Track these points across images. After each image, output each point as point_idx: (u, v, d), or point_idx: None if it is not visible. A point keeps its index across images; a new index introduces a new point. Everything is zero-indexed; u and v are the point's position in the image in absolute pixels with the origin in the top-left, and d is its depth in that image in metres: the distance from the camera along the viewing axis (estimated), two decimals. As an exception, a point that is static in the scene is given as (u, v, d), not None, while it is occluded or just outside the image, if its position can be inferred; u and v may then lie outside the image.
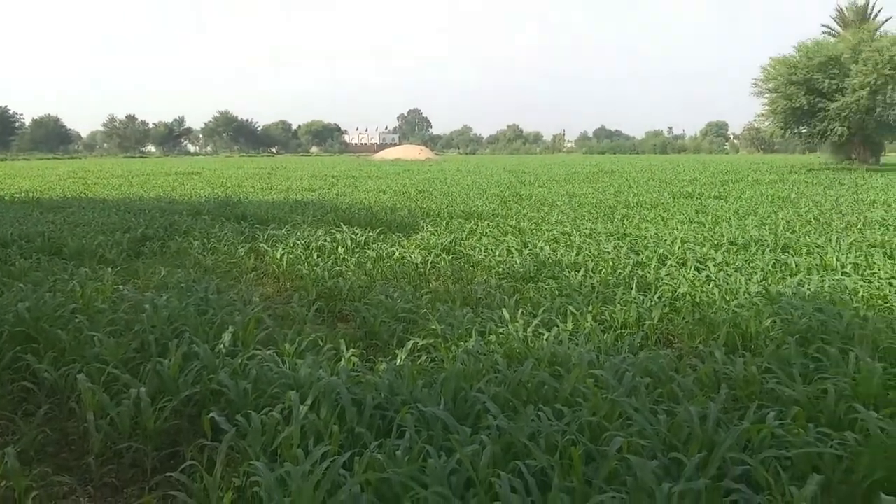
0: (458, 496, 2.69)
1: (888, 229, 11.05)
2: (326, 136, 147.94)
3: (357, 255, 9.00)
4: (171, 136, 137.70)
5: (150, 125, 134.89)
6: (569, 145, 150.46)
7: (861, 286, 6.73)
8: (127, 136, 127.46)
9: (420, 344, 4.89)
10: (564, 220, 12.93)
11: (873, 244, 9.52)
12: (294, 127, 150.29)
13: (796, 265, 7.97)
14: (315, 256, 8.83)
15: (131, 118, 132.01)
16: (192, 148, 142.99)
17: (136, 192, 21.30)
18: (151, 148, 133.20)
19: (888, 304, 6.06)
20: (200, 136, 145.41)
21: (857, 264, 8.01)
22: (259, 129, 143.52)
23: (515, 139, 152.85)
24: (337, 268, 8.15)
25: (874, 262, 8.13)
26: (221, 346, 4.55)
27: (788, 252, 9.09)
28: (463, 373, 4.12)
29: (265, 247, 9.60)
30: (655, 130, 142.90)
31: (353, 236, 10.42)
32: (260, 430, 3.27)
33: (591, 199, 17.73)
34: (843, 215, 13.20)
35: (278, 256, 8.67)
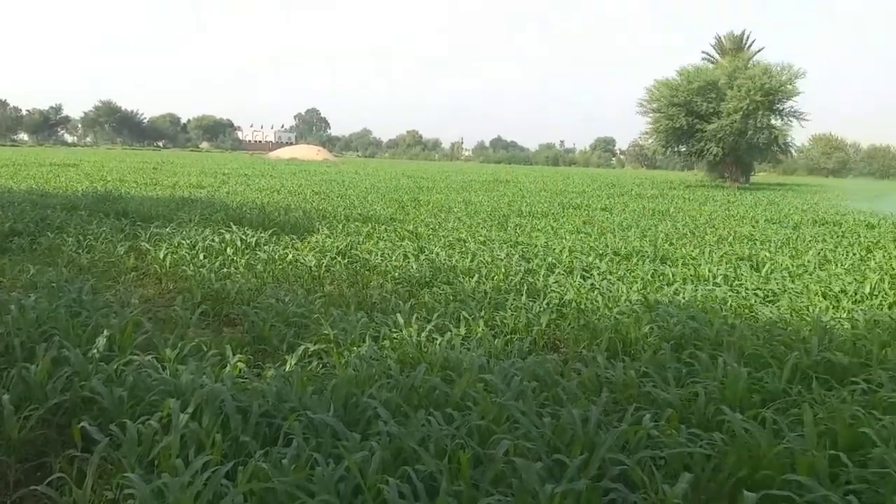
0: (346, 503, 2.65)
1: (755, 244, 11.98)
2: (218, 131, 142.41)
3: (247, 257, 8.71)
4: (47, 125, 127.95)
5: (24, 111, 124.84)
6: (466, 153, 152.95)
7: (730, 296, 7.26)
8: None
9: (311, 349, 4.79)
10: (460, 227, 13.11)
11: (741, 257, 10.30)
12: (183, 121, 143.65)
13: (673, 275, 8.48)
14: (202, 257, 8.47)
15: (2, 103, 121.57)
16: (69, 138, 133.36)
17: (5, 184, 19.62)
18: (24, 136, 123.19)
19: (753, 314, 6.56)
20: (80, 126, 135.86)
21: (727, 276, 8.63)
22: (145, 121, 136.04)
23: (415, 145, 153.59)
24: (225, 269, 7.85)
25: (742, 274, 8.80)
26: (95, 350, 4.26)
27: (666, 263, 9.66)
28: (355, 378, 4.09)
29: (147, 246, 9.10)
30: (548, 143, 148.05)
31: (244, 237, 10.08)
32: (136, 440, 3.09)
33: (486, 208, 18.09)
34: (716, 230, 14.19)
35: (161, 256, 8.25)
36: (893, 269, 9.44)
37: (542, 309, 6.34)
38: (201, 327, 5.72)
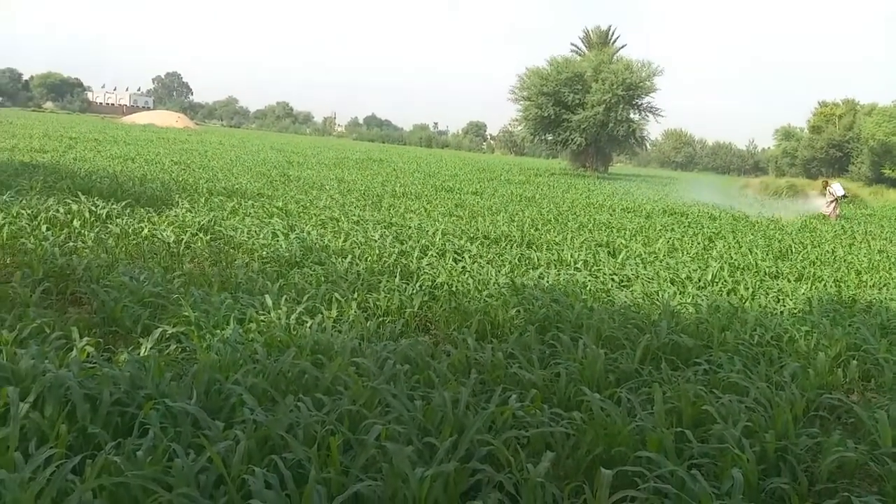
0: (207, 496, 2.52)
1: (612, 231, 12.73)
2: (65, 91, 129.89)
3: (97, 230, 8.04)
4: None
5: None
6: (339, 129, 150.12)
7: (589, 280, 7.66)
8: None
9: (169, 332, 4.51)
10: (333, 206, 12.87)
11: (600, 243, 10.90)
12: (25, 77, 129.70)
13: (538, 260, 8.83)
14: (44, 229, 7.71)
15: None
16: None
17: None
18: None
19: (610, 298, 6.97)
20: None
21: (587, 261, 9.10)
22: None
23: (285, 117, 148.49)
24: (71, 243, 7.19)
25: (600, 260, 9.32)
26: (-88, 333, 3.77)
27: (532, 247, 10.04)
28: (218, 363, 3.90)
29: (-21, 215, 8.14)
30: (422, 124, 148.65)
31: (93, 208, 9.29)
32: (-37, 435, 2.76)
33: (359, 186, 17.88)
34: (577, 217, 14.92)
35: (-4, 227, 7.42)
36: (732, 258, 10.38)
37: (414, 291, 6.36)
38: (43, 307, 5.20)
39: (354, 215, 11.66)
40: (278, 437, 2.96)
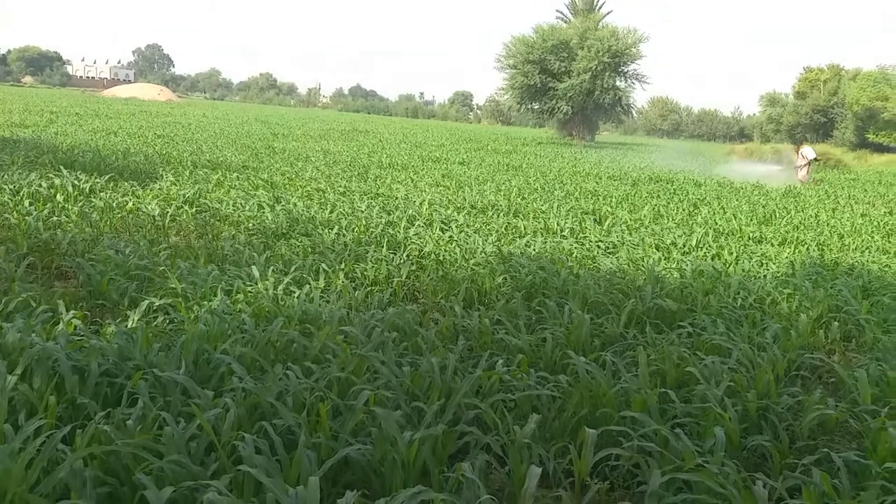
0: (198, 462, 2.55)
1: (598, 199, 12.76)
2: (44, 65, 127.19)
3: (81, 204, 7.96)
4: None
5: None
6: (324, 100, 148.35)
7: (575, 248, 7.71)
8: None
9: (157, 304, 4.50)
10: (319, 177, 12.80)
11: (586, 211, 10.94)
12: (2, 52, 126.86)
13: (524, 228, 8.86)
14: (27, 204, 7.62)
15: None
16: None
17: None
18: None
19: (596, 264, 7.02)
20: None
21: (573, 228, 9.14)
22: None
23: (269, 88, 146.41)
24: (55, 218, 7.12)
25: (586, 227, 9.36)
26: None
27: (519, 216, 10.06)
28: (206, 334, 3.91)
29: (-41, 190, 8.04)
30: (408, 95, 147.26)
31: (76, 182, 9.18)
32: (-49, 408, 2.76)
33: (345, 157, 17.77)
34: (563, 185, 14.93)
35: (-23, 202, 7.33)
36: (716, 223, 10.46)
37: (402, 261, 6.38)
38: (28, 281, 5.17)
39: (341, 186, 11.61)
40: (268, 404, 2.99)
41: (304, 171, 13.75)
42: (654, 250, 8.01)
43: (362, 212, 8.93)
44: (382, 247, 6.85)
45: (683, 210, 11.89)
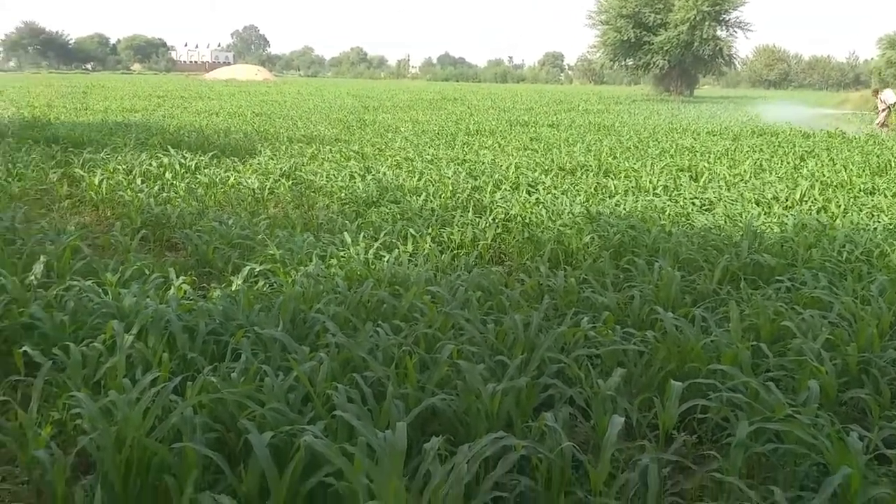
0: (296, 410, 2.73)
1: (695, 155, 12.25)
2: (151, 52, 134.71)
3: (187, 181, 8.49)
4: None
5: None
6: (413, 71, 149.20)
7: (668, 205, 7.48)
8: None
9: (257, 270, 4.78)
10: (407, 147, 12.99)
11: (681, 168, 10.55)
12: (113, 41, 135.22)
13: (615, 188, 8.66)
14: (139, 182, 8.22)
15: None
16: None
17: (-82, 111, 18.37)
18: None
19: (690, 221, 6.80)
20: (0, 49, 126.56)
21: (667, 186, 8.85)
22: (71, 42, 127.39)
23: (359, 63, 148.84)
24: (164, 194, 7.64)
25: (681, 185, 9.04)
26: (32, 277, 4.18)
27: (609, 176, 9.83)
28: (302, 295, 4.12)
29: (81, 172, 8.75)
30: (497, 60, 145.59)
31: (183, 161, 9.78)
32: (80, 363, 3.09)
33: (433, 127, 17.88)
34: (658, 142, 14.41)
35: (96, 182, 7.96)
36: (824, 175, 9.82)
37: (487, 224, 6.42)
38: (142, 252, 5.62)
39: (428, 155, 11.73)
40: (359, 358, 3.14)
41: (393, 141, 13.98)
42: (754, 205, 7.65)
43: (449, 178, 9.00)
44: (468, 211, 6.91)
45: (788, 163, 11.23)
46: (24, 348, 3.19)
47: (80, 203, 7.77)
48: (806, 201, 7.92)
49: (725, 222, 6.68)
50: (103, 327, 3.44)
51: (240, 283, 4.45)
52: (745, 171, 10.28)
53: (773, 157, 12.15)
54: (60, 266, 4.53)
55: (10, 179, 8.35)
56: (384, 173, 9.33)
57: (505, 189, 8.38)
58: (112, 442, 2.42)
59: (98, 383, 3.07)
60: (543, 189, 8.37)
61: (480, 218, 6.69)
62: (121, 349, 3.07)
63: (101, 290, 3.98)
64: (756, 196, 8.13)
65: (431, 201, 7.56)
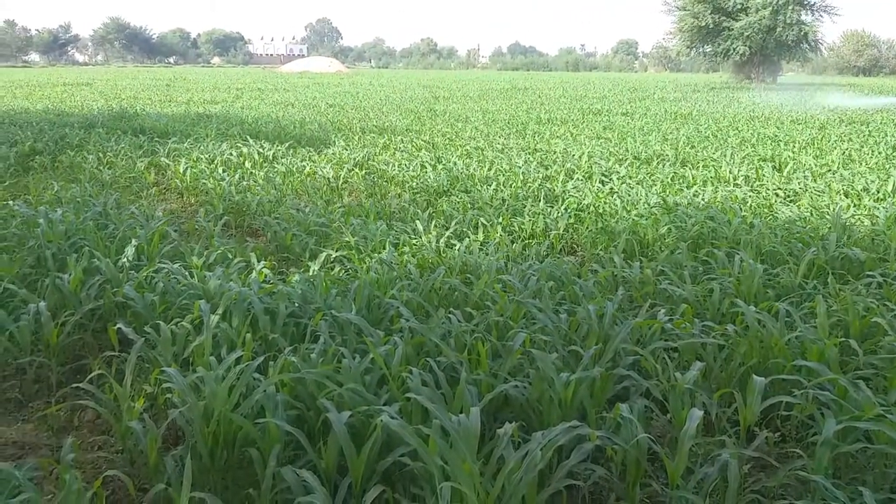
0: (372, 392, 2.80)
1: (778, 145, 11.75)
2: (229, 45, 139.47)
3: (265, 170, 8.77)
4: (57, 45, 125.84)
5: (33, 31, 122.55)
6: (483, 61, 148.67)
7: (750, 196, 7.21)
8: (6, 43, 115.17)
9: (333, 256, 4.91)
10: (477, 136, 12.98)
11: (764, 158, 10.13)
12: (193, 35, 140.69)
13: (693, 178, 8.40)
14: (220, 171, 8.53)
15: (10, 23, 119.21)
16: (80, 57, 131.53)
17: (21, 105, 19.60)
18: (35, 57, 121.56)
19: (773, 213, 6.53)
20: (89, 44, 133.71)
21: (748, 176, 8.53)
22: (154, 37, 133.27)
23: (429, 53, 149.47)
24: (244, 182, 7.92)
25: (763, 175, 8.69)
26: (125, 259, 4.41)
27: (687, 166, 9.55)
28: (376, 281, 4.21)
29: (166, 161, 9.17)
30: (568, 48, 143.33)
31: (261, 150, 10.10)
32: (170, 340, 3.25)
33: (503, 116, 17.80)
34: (739, 131, 13.88)
35: (181, 171, 8.32)
36: (920, 166, 9.24)
37: (559, 214, 6.36)
38: (225, 238, 5.85)
39: (499, 144, 11.69)
40: (432, 343, 3.18)
41: (463, 131, 13.99)
42: (843, 197, 7.27)
43: (519, 167, 8.95)
44: (539, 201, 6.86)
45: (879, 153, 10.62)
46: (118, 326, 3.38)
47: (167, 190, 8.14)
48: (900, 193, 7.47)
49: (811, 214, 6.38)
50: (190, 307, 3.61)
51: (317, 268, 4.57)
52: (832, 161, 9.78)
53: (862, 146, 11.51)
54: (150, 250, 4.77)
55: (100, 168, 8.83)
56: (455, 163, 9.36)
57: (577, 179, 8.27)
58: (200, 415, 2.55)
59: (186, 360, 3.22)
60: (618, 179, 8.21)
61: (552, 208, 6.63)
62: (207, 328, 3.21)
63: (187, 273, 4.17)
64: (844, 187, 7.73)
65: (502, 191, 7.54)
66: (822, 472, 2.35)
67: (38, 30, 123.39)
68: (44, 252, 4.53)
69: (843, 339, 3.36)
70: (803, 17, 40.95)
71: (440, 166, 9.10)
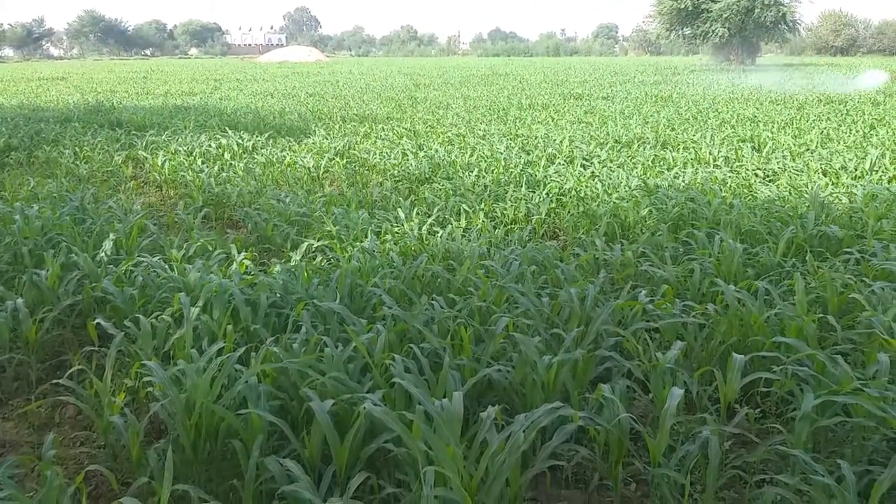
0: (355, 380, 2.79)
1: (757, 125, 11.83)
2: (206, 36, 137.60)
3: (245, 161, 8.69)
4: (31, 39, 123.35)
5: (6, 26, 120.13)
6: (464, 48, 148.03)
7: (730, 177, 7.26)
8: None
9: (315, 245, 4.88)
10: (459, 123, 12.95)
11: (743, 139, 10.20)
12: (170, 27, 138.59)
13: (673, 160, 8.45)
14: (200, 163, 8.45)
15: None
16: (55, 51, 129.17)
17: (-7, 100, 19.26)
18: (9, 52, 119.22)
19: (752, 193, 6.59)
20: (64, 38, 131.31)
21: (728, 157, 8.59)
22: (130, 29, 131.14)
23: (410, 41, 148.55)
24: (224, 174, 7.84)
25: (742, 156, 8.76)
26: (103, 254, 4.36)
27: (667, 148, 9.59)
28: (359, 270, 4.19)
29: (144, 154, 9.06)
30: (549, 33, 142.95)
31: (240, 141, 10.01)
32: (150, 334, 3.22)
33: (485, 102, 17.76)
34: (718, 113, 13.96)
35: (159, 164, 8.23)
36: (895, 144, 9.35)
37: (541, 199, 6.37)
38: (205, 230, 5.80)
39: (480, 130, 11.67)
40: (415, 330, 3.18)
41: (444, 118, 13.95)
42: (821, 175, 7.35)
43: (501, 153, 8.95)
44: (521, 186, 6.86)
45: (857, 132, 10.73)
46: (97, 321, 3.35)
47: (145, 184, 8.05)
48: (876, 171, 7.56)
49: (790, 193, 6.44)
50: (170, 300, 3.58)
51: (298, 258, 4.54)
52: (811, 140, 9.87)
53: (840, 125, 11.62)
54: (129, 243, 4.72)
55: (77, 162, 8.70)
56: (436, 150, 9.33)
57: (559, 163, 8.28)
58: (182, 408, 2.53)
59: (167, 353, 3.20)
60: (599, 163, 8.23)
61: (534, 193, 6.63)
62: (188, 321, 3.19)
63: (167, 266, 4.13)
64: (823, 166, 7.81)
65: (484, 177, 7.53)
66: (801, 447, 2.38)
67: (10, 24, 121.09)
68: (20, 248, 4.47)
69: (821, 315, 3.40)
70: (781, -2, 41.19)
71: (422, 154, 9.06)
